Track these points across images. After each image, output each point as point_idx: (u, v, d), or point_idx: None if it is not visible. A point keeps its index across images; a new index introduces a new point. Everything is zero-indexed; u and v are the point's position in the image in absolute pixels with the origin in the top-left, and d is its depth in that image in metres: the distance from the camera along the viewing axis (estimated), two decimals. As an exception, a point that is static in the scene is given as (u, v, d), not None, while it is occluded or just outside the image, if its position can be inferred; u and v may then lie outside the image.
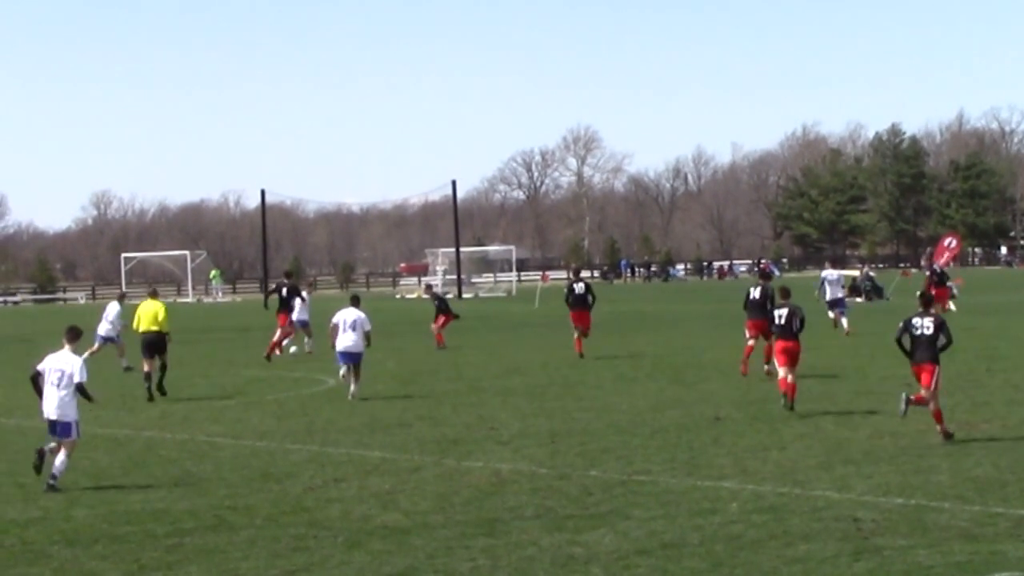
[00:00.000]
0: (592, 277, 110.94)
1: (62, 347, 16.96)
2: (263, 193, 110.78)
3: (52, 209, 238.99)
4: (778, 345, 22.19)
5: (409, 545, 12.90)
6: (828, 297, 40.68)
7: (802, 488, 15.07)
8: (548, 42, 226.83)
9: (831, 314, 40.15)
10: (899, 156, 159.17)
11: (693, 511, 13.99)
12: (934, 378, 18.39)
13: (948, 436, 18.13)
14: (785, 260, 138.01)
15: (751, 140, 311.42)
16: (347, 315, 26.12)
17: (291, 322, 37.14)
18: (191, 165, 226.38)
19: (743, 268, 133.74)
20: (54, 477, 16.33)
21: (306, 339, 37.49)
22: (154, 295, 29.15)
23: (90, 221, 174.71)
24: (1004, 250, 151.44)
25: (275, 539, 13.33)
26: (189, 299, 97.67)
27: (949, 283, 48.68)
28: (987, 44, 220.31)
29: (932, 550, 11.99)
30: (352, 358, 25.88)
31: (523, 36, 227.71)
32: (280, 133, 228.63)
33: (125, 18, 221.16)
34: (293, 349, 37.35)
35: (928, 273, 45.96)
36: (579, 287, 34.40)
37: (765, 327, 25.36)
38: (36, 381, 16.89)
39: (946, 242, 61.90)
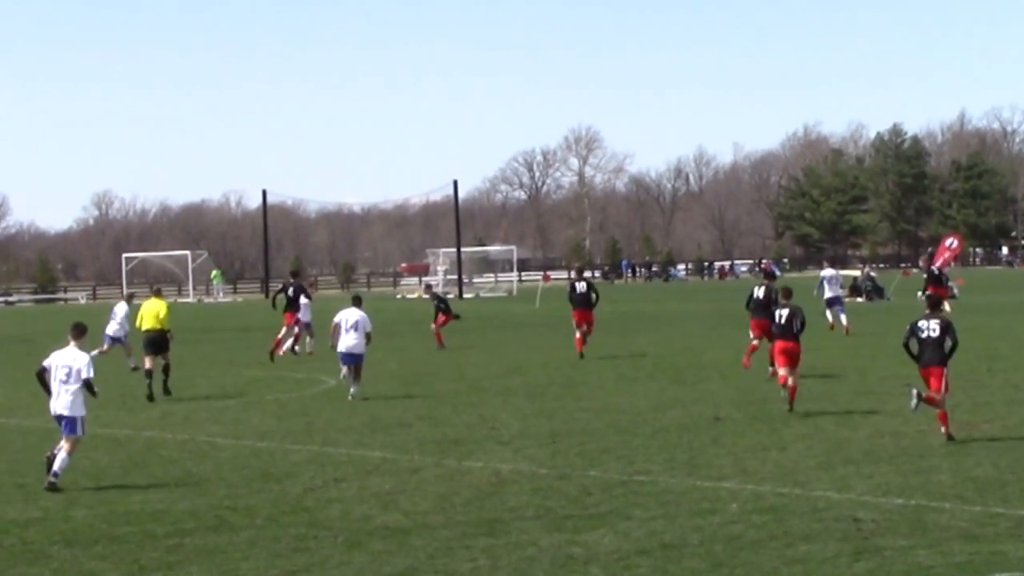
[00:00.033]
0: (593, 277, 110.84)
1: (67, 344, 16.99)
2: (264, 193, 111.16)
3: (53, 209, 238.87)
4: (778, 345, 22.19)
5: (409, 545, 12.90)
6: (827, 295, 40.70)
7: (802, 488, 15.06)
8: (549, 42, 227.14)
9: (828, 314, 40.16)
10: (900, 156, 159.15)
11: (693, 511, 13.99)
12: (943, 382, 18.36)
13: (950, 438, 18.13)
14: (786, 260, 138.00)
15: (752, 140, 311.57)
16: (349, 315, 26.13)
17: (298, 321, 37.34)
18: (192, 165, 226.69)
19: (744, 268, 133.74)
20: (55, 475, 16.35)
21: (308, 339, 37.59)
22: (158, 294, 29.43)
23: (91, 221, 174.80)
24: (1005, 250, 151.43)
25: (275, 539, 13.33)
26: (190, 299, 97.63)
27: (950, 283, 48.69)
28: (989, 44, 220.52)
29: (932, 550, 11.99)
30: (354, 359, 25.88)
31: (524, 36, 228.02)
32: (281, 133, 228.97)
33: (125, 18, 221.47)
34: (296, 349, 37.47)
35: (926, 275, 45.90)
36: (581, 286, 34.45)
37: (769, 327, 25.35)
38: (42, 377, 16.97)
39: (947, 242, 61.86)
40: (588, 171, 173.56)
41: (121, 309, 35.15)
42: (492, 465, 17.32)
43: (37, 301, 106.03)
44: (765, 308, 26.85)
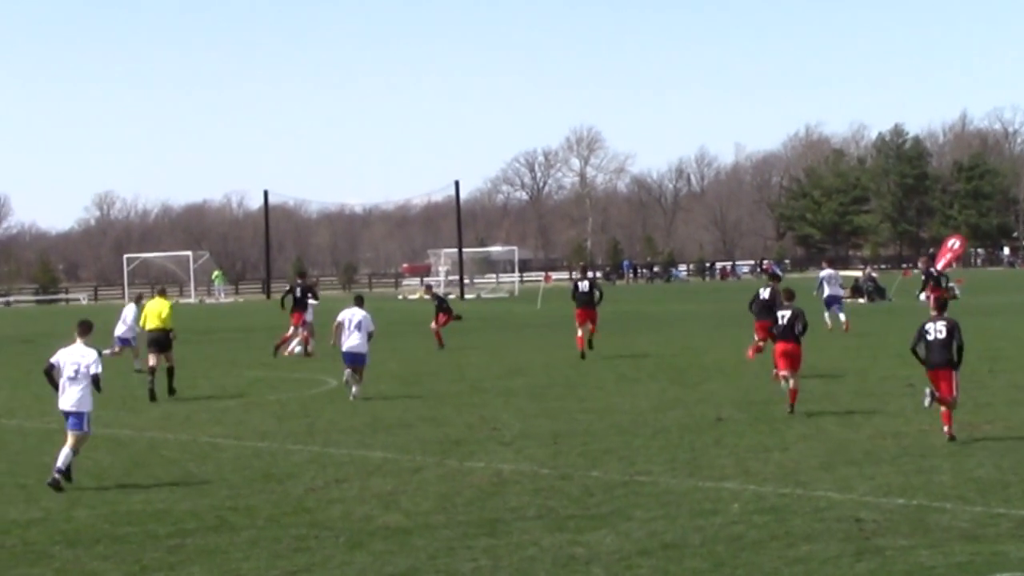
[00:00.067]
0: (595, 277, 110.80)
1: (74, 341, 17.02)
2: (266, 194, 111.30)
3: (55, 210, 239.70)
4: (778, 347, 22.16)
5: (411, 546, 12.90)
6: (826, 294, 40.71)
7: (804, 489, 15.06)
8: (551, 42, 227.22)
9: (827, 314, 40.17)
10: (902, 157, 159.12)
11: (695, 512, 13.99)
12: (953, 385, 18.32)
13: (952, 438, 18.12)
14: (788, 261, 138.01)
15: (754, 141, 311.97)
16: (352, 315, 26.15)
17: (305, 322, 37.51)
18: (194, 166, 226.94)
19: (745, 269, 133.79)
20: (59, 471, 16.35)
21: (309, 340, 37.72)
22: (162, 293, 29.93)
23: (93, 222, 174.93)
24: (1007, 251, 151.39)
25: (277, 540, 13.33)
26: (191, 300, 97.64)
27: (951, 284, 48.63)
28: (990, 44, 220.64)
29: (934, 551, 11.99)
30: (357, 359, 25.89)
31: (525, 36, 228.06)
32: (282, 134, 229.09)
33: (126, 18, 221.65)
34: (298, 350, 37.59)
35: (924, 277, 45.86)
36: (584, 284, 34.51)
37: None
38: (50, 374, 17.06)
39: (950, 243, 61.86)
40: (589, 171, 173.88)
41: (130, 311, 35.27)
42: (494, 465, 17.32)
43: (38, 302, 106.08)
44: (770, 309, 26.84)
